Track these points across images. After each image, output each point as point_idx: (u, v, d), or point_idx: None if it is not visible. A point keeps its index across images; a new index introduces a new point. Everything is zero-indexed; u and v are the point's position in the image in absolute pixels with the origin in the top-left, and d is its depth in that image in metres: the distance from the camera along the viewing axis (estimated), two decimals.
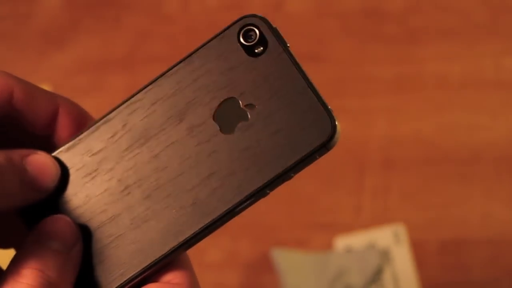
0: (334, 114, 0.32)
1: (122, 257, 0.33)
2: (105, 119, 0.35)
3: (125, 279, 0.33)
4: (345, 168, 0.73)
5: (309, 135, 0.32)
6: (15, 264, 0.31)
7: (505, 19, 0.76)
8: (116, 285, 0.33)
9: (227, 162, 0.33)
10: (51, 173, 0.34)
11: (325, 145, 0.32)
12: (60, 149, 0.35)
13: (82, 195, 0.34)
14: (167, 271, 0.33)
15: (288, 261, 0.69)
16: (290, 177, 0.33)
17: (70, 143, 0.35)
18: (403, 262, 0.69)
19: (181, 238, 0.33)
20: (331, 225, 0.71)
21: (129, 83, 0.79)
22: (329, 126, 0.32)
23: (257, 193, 0.32)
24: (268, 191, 0.33)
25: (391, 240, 0.70)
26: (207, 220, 0.32)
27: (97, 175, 0.34)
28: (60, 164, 0.34)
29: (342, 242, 0.70)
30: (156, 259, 0.33)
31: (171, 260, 0.33)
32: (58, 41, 0.84)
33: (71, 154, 0.35)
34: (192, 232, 0.32)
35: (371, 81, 0.75)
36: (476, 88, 0.74)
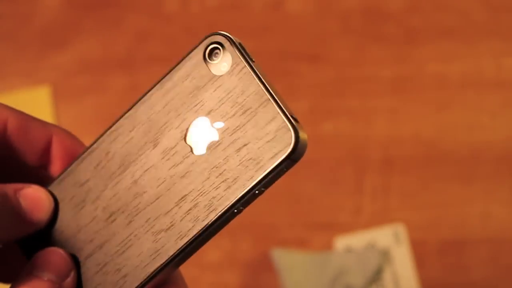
0: (300, 124, 0.32)
1: (111, 283, 0.34)
2: (90, 149, 0.36)
3: None
4: (345, 168, 0.73)
5: (273, 148, 0.32)
6: None
7: (505, 19, 0.76)
8: None
9: (199, 182, 0.33)
10: (44, 206, 0.35)
11: (289, 157, 0.31)
12: (53, 183, 0.36)
13: (73, 225, 0.35)
14: None
15: (288, 261, 0.69)
16: (261, 192, 0.33)
17: (61, 176, 0.36)
18: (403, 262, 0.69)
19: (161, 261, 0.33)
20: (331, 225, 0.71)
21: (129, 83, 0.79)
22: (291, 138, 0.31)
23: (228, 210, 0.32)
24: (241, 208, 0.33)
25: (391, 240, 0.70)
26: (182, 242, 0.33)
27: (85, 205, 0.35)
28: (53, 196, 0.36)
29: (342, 242, 0.70)
30: (141, 283, 0.34)
31: (160, 281, 0.34)
32: (58, 41, 0.84)
33: (62, 187, 0.36)
34: (171, 254, 0.33)
35: (371, 81, 0.75)
36: (476, 88, 0.74)
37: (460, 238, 0.69)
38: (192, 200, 0.33)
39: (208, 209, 0.33)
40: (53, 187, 0.36)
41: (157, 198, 0.34)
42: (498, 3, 0.76)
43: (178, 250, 0.33)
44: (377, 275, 0.69)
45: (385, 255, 0.70)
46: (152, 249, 0.33)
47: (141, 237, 0.34)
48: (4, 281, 0.37)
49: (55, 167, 0.36)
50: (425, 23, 0.77)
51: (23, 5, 0.88)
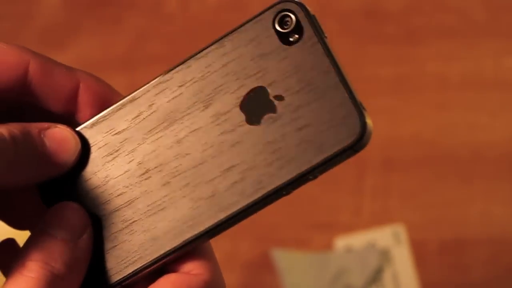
0: (367, 113, 0.30)
1: (135, 244, 0.32)
2: (131, 97, 0.33)
3: (137, 268, 0.32)
4: (345, 168, 0.72)
5: (338, 134, 0.30)
6: (21, 256, 0.30)
7: (505, 19, 0.76)
8: (128, 273, 0.32)
9: (250, 155, 0.31)
10: (70, 147, 0.32)
11: (353, 147, 0.30)
12: (83, 125, 0.33)
13: (101, 175, 0.33)
14: (187, 260, 0.32)
15: (288, 261, 0.69)
16: (315, 177, 0.31)
17: (93, 120, 0.33)
18: (403, 262, 0.69)
19: (196, 231, 0.31)
20: (331, 225, 0.71)
21: (129, 83, 0.79)
22: (358, 127, 0.30)
23: (278, 191, 0.31)
24: (291, 190, 0.31)
25: (391, 240, 0.70)
26: (223, 215, 0.31)
27: (118, 155, 0.33)
28: (81, 140, 0.33)
29: (342, 242, 0.70)
30: (169, 250, 0.31)
31: (188, 251, 0.32)
32: (58, 41, 0.84)
33: (94, 131, 0.33)
34: (208, 225, 0.31)
35: (371, 81, 0.75)
36: (476, 88, 0.74)
37: (460, 238, 0.69)
38: (240, 172, 0.31)
39: (257, 185, 0.30)
40: (84, 130, 0.33)
41: (201, 163, 0.31)
42: (498, 3, 0.76)
43: (217, 222, 0.31)
44: (377, 275, 0.69)
45: (385, 255, 0.70)
46: (187, 216, 0.31)
47: (177, 201, 0.31)
48: (21, 227, 0.35)
49: (83, 115, 0.33)
50: (425, 23, 0.77)
51: (23, 5, 0.88)
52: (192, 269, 0.32)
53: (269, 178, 0.30)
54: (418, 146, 0.72)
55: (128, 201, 0.32)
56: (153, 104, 0.33)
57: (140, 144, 0.32)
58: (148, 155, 0.32)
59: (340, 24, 0.78)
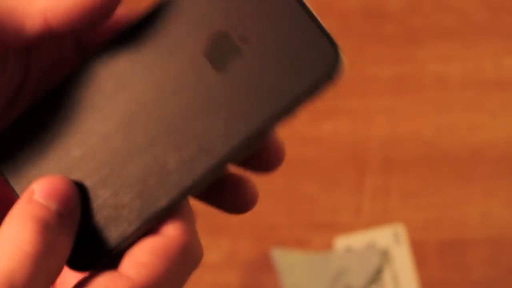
0: (339, 44, 0.29)
1: (125, 207, 0.31)
2: (90, 68, 0.31)
3: (126, 234, 0.31)
4: (345, 168, 0.73)
5: (311, 65, 0.29)
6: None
7: (505, 19, 0.76)
8: (118, 242, 0.31)
9: (222, 101, 0.30)
10: None
11: (329, 74, 0.29)
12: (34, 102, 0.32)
13: (77, 152, 0.31)
14: (165, 221, 0.31)
15: (288, 261, 0.69)
16: (294, 114, 0.30)
17: (46, 94, 0.32)
18: (403, 262, 0.69)
19: (182, 186, 0.30)
20: (331, 225, 0.71)
21: None
22: (331, 54, 0.29)
23: (261, 130, 0.30)
24: (271, 129, 0.30)
25: (391, 240, 0.70)
26: (212, 162, 0.30)
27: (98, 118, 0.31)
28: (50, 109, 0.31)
29: (342, 242, 0.70)
30: (155, 211, 0.30)
31: (172, 211, 0.31)
32: None
33: (48, 105, 0.32)
34: (191, 180, 0.30)
35: (371, 81, 0.75)
36: (476, 88, 0.74)
37: (460, 238, 0.69)
38: (220, 119, 0.30)
39: (238, 127, 0.29)
40: (36, 106, 0.31)
41: (177, 119, 0.30)
42: (498, 3, 0.76)
43: (199, 175, 0.30)
44: (377, 275, 0.69)
45: (385, 255, 0.70)
46: (171, 174, 0.30)
47: (159, 160, 0.30)
48: None
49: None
50: (425, 23, 0.77)
51: None
52: (168, 229, 0.30)
53: (249, 120, 0.29)
54: (418, 146, 0.72)
55: (111, 169, 0.31)
56: (112, 69, 0.31)
57: (114, 114, 0.31)
58: (123, 121, 0.31)
59: (340, 24, 0.78)
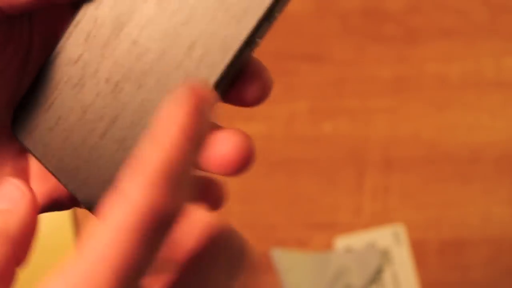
0: None
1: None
2: (75, 22, 0.32)
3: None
4: (345, 168, 0.73)
5: None
6: None
7: (505, 19, 0.76)
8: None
9: (205, 24, 0.30)
10: None
11: None
12: (42, 67, 0.33)
13: (77, 108, 0.32)
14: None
15: (288, 261, 0.69)
16: (274, 18, 0.30)
17: (48, 59, 0.32)
18: (403, 262, 0.69)
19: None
20: (331, 225, 0.71)
21: None
22: None
23: (245, 45, 0.30)
24: (257, 39, 0.30)
25: (391, 240, 0.70)
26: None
27: (85, 82, 0.32)
28: (48, 81, 0.32)
29: (342, 242, 0.70)
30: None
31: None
32: None
33: (54, 69, 0.32)
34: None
35: (371, 81, 0.75)
36: (476, 88, 0.74)
37: (460, 238, 0.69)
38: (203, 44, 0.30)
39: (222, 50, 0.30)
40: (44, 71, 0.32)
41: (163, 53, 0.31)
42: (498, 3, 0.76)
43: None
44: (377, 275, 0.69)
45: (385, 255, 0.70)
46: None
47: (154, 99, 0.31)
48: None
49: None
50: (425, 23, 0.77)
51: None
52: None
53: (232, 36, 0.30)
54: (418, 146, 0.72)
55: (112, 120, 0.31)
56: (97, 18, 0.31)
57: (100, 62, 0.31)
58: (111, 68, 0.31)
59: (340, 24, 0.78)
